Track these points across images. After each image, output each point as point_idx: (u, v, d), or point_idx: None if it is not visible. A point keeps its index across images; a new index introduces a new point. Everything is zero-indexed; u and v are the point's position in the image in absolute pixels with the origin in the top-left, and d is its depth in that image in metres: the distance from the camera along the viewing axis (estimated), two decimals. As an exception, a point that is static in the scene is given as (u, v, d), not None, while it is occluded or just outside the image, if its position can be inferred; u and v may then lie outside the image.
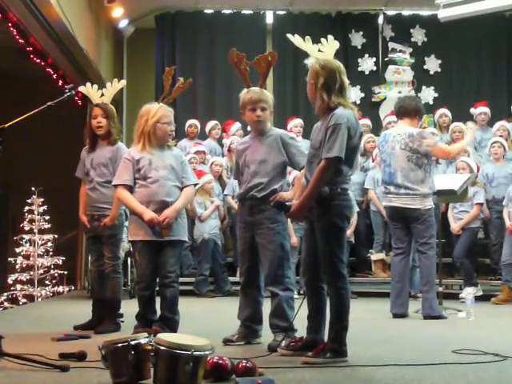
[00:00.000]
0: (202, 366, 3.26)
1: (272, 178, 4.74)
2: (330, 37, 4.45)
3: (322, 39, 4.44)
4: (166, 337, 3.30)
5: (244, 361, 3.52)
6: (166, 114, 5.01)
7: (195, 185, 5.39)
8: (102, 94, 5.81)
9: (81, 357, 4.00)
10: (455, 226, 8.41)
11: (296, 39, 4.58)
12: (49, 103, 4.31)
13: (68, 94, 4.56)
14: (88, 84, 5.91)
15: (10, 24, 8.39)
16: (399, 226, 6.62)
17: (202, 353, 3.24)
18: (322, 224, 4.17)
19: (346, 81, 4.25)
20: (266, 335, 4.78)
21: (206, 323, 6.02)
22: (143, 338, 3.38)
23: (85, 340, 4.96)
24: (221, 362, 3.46)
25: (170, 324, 4.92)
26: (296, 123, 10.03)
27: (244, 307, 4.88)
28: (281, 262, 4.71)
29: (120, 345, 3.34)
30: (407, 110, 6.66)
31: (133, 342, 3.32)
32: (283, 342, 4.46)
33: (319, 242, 4.18)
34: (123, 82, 5.89)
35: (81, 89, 5.86)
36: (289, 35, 4.66)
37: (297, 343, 4.34)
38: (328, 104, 4.15)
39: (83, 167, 5.73)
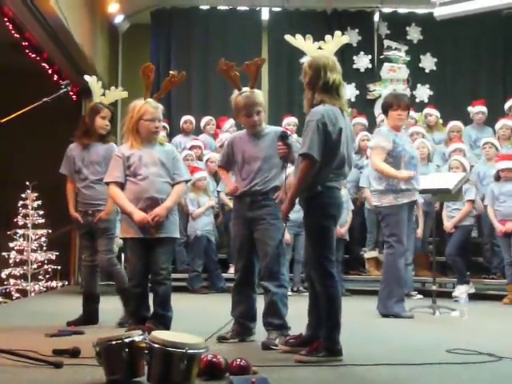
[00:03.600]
0: (196, 364, 3.26)
1: (274, 175, 4.76)
2: (338, 32, 4.49)
3: (328, 36, 4.46)
4: (160, 334, 3.30)
5: (238, 359, 3.51)
6: (149, 111, 4.94)
7: (188, 181, 5.38)
8: (103, 94, 5.84)
9: (74, 353, 3.99)
10: (448, 223, 8.42)
11: (294, 39, 4.60)
12: (44, 99, 4.31)
13: (64, 90, 4.56)
14: (94, 77, 5.94)
15: (5, 19, 8.37)
16: None
17: (196, 351, 3.24)
18: (306, 223, 4.21)
19: (334, 77, 4.20)
20: (260, 333, 4.78)
21: (199, 320, 6.01)
22: (137, 336, 3.37)
23: (78, 336, 4.95)
24: (215, 360, 3.45)
25: (163, 321, 4.91)
26: (290, 121, 10.01)
27: (237, 304, 4.87)
28: (278, 259, 4.72)
29: (114, 342, 3.33)
30: (382, 108, 6.74)
31: (127, 340, 3.32)
32: (277, 339, 4.48)
33: (306, 241, 4.22)
34: (125, 94, 5.86)
35: (87, 78, 5.91)
36: (288, 36, 4.68)
37: (296, 339, 4.34)
38: (311, 101, 4.18)
39: (72, 164, 5.76)
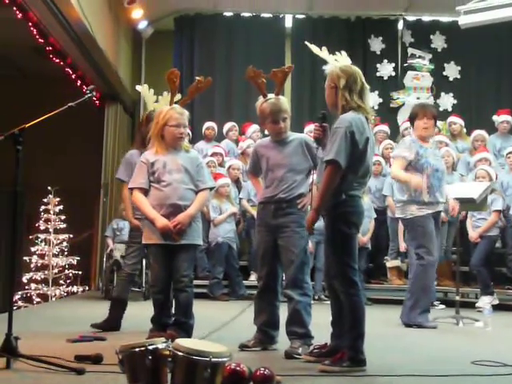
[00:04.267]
0: (220, 373, 3.22)
1: (299, 182, 4.72)
2: (344, 53, 4.50)
3: (337, 53, 4.47)
4: (184, 342, 3.26)
5: (262, 368, 3.47)
6: (174, 117, 4.92)
7: (211, 188, 5.34)
8: (157, 100, 5.80)
9: (97, 359, 3.98)
10: (473, 233, 8.32)
11: (313, 46, 4.60)
12: (70, 104, 4.29)
13: (89, 95, 4.54)
14: (146, 86, 5.90)
15: (30, 23, 8.41)
16: None
17: (220, 359, 3.19)
18: (329, 232, 4.16)
19: (367, 85, 4.25)
20: (282, 341, 4.74)
21: (220, 327, 5.97)
22: (161, 343, 3.32)
23: (100, 342, 4.94)
24: (238, 368, 3.41)
25: (185, 328, 4.88)
26: (311, 128, 9.91)
27: (260, 312, 4.83)
28: (302, 267, 4.68)
29: (137, 349, 3.28)
30: (410, 118, 6.70)
31: (150, 347, 3.27)
32: (300, 348, 4.43)
33: (327, 250, 4.19)
34: (178, 96, 5.80)
35: (138, 88, 5.88)
36: (307, 43, 4.66)
37: (321, 349, 4.30)
38: (351, 104, 4.13)
39: (132, 170, 5.57)
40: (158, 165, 4.94)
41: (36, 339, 4.79)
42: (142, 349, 3.27)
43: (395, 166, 6.49)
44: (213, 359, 3.14)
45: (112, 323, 5.64)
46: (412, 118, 6.55)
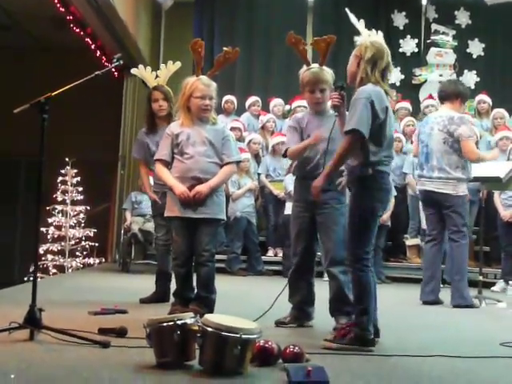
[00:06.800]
0: (250, 350, 3.15)
1: None
2: (380, 33, 4.42)
3: (374, 31, 4.40)
4: (213, 318, 3.19)
5: (291, 346, 3.40)
6: (199, 88, 4.83)
7: (238, 162, 5.26)
8: (157, 76, 5.82)
9: (121, 333, 3.93)
10: (506, 212, 8.13)
11: (352, 16, 4.48)
12: (96, 72, 4.21)
13: (116, 63, 4.47)
14: (141, 66, 5.96)
15: (51, -8, 8.33)
16: (432, 212, 6.49)
17: (250, 336, 3.13)
18: (352, 206, 4.07)
19: (392, 67, 4.15)
20: (319, 318, 4.73)
21: (240, 302, 5.93)
22: (189, 318, 3.27)
23: (121, 315, 4.89)
24: (267, 346, 3.35)
25: (206, 303, 4.83)
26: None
27: (296, 290, 4.75)
28: (342, 244, 4.57)
29: (166, 324, 3.23)
30: (447, 94, 6.57)
31: (179, 322, 3.21)
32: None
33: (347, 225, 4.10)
34: (178, 64, 5.80)
35: (134, 71, 6.01)
36: (347, 9, 4.56)
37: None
38: (369, 79, 4.02)
39: (144, 148, 5.85)
40: (183, 137, 4.87)
41: (57, 310, 4.71)
42: (171, 323, 3.22)
43: (473, 147, 6.42)
44: (243, 336, 3.08)
45: (160, 296, 5.69)
46: (460, 96, 6.53)
